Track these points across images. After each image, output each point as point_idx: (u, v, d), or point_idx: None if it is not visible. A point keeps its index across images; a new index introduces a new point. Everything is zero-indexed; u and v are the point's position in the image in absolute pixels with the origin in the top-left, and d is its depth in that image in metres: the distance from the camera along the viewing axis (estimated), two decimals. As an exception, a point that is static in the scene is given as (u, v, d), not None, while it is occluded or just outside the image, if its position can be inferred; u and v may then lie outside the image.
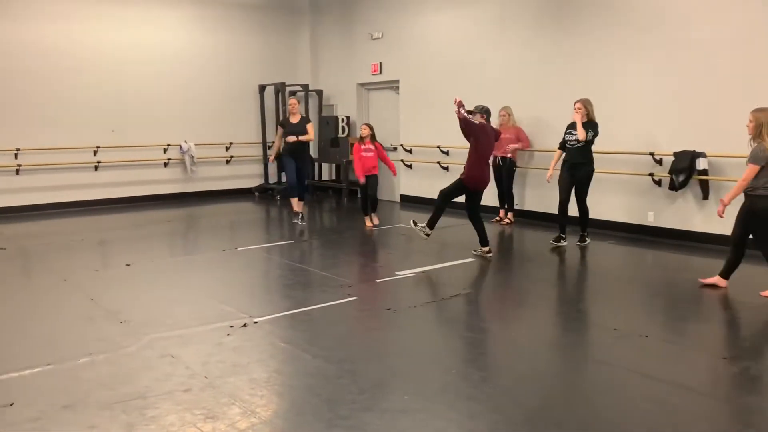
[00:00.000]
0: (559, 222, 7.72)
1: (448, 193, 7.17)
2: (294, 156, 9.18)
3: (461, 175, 7.14)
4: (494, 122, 9.56)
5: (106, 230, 9.13)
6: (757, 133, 5.34)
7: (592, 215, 8.83)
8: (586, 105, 7.44)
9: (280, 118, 12.66)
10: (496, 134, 7.38)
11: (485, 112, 7.30)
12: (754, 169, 5.30)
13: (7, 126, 10.19)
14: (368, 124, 9.06)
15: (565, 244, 7.69)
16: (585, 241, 7.77)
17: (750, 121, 5.40)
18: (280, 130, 9.28)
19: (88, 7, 10.82)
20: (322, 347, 4.44)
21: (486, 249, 7.11)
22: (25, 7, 10.24)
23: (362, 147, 8.93)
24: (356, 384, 3.77)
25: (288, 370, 4.05)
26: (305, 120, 9.24)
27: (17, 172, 10.35)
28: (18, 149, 10.28)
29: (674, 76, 7.80)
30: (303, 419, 3.35)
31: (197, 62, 12.09)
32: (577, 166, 7.52)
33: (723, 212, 5.61)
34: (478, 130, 6.94)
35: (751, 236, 5.58)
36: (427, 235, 7.24)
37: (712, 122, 7.50)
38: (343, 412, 3.40)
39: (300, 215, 9.36)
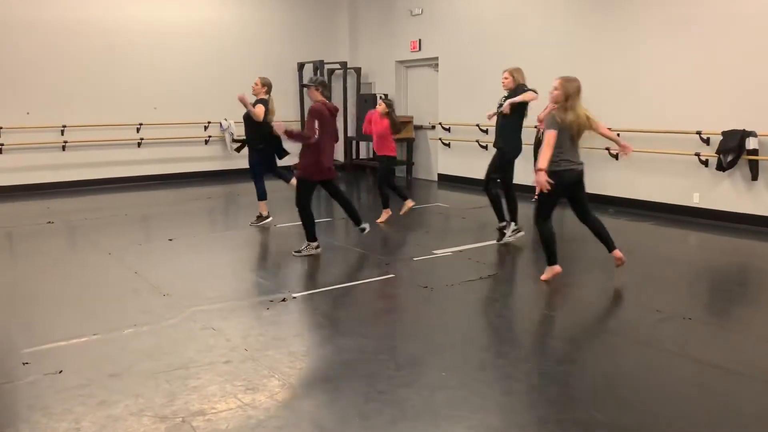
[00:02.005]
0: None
1: (301, 204, 6.27)
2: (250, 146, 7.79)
3: (298, 173, 6.28)
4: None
5: (148, 206, 9.32)
6: (563, 104, 5.01)
7: (633, 195, 8.69)
8: (513, 73, 6.60)
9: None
10: (334, 110, 6.34)
11: (321, 84, 6.27)
12: (551, 134, 4.95)
13: (55, 103, 10.42)
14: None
15: (509, 236, 6.72)
16: (506, 233, 6.72)
17: (555, 88, 5.06)
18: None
19: (130, -15, 10.96)
20: (360, 323, 4.47)
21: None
22: (71, -15, 10.42)
23: None
24: (394, 360, 3.79)
25: (326, 345, 4.09)
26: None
27: (63, 148, 10.61)
28: (64, 126, 10.52)
29: (724, 52, 7.53)
30: (341, 393, 3.39)
31: (238, 40, 12.13)
32: (497, 144, 6.77)
33: (546, 185, 4.96)
34: (318, 122, 6.03)
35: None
36: (317, 248, 6.30)
37: (764, 100, 7.23)
38: (381, 387, 3.43)
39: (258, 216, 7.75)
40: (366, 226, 6.79)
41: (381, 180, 7.90)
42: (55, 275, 5.75)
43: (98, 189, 10.66)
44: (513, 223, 6.77)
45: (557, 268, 5.31)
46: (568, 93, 5.00)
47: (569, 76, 5.11)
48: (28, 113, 10.22)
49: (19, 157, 10.26)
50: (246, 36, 12.25)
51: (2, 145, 10.07)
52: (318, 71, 12.49)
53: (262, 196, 7.74)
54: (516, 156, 6.76)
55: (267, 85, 7.63)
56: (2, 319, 4.58)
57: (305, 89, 6.42)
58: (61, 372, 3.61)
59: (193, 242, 6.95)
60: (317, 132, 6.01)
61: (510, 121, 6.55)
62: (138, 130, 11.26)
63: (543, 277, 5.35)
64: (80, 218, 8.22)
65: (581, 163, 5.19)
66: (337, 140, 6.45)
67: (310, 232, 6.27)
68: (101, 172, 11.02)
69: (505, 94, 6.71)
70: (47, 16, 10.26)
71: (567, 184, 5.12)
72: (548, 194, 5.06)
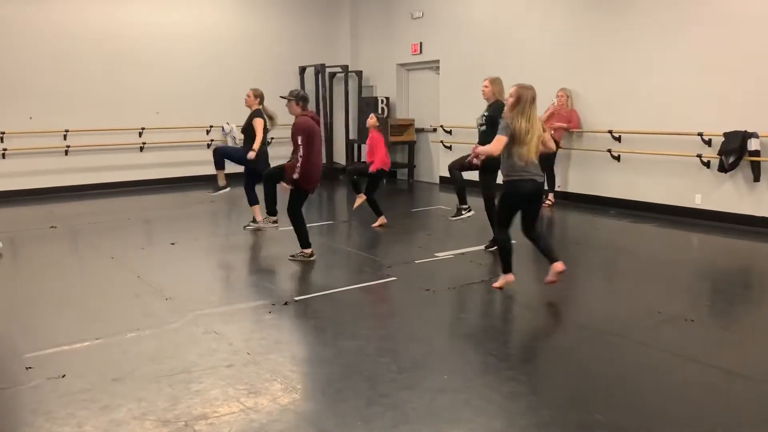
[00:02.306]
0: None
1: (294, 212, 6.17)
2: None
3: (293, 180, 6.02)
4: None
5: (151, 210, 9.33)
6: (515, 109, 4.84)
7: (635, 197, 8.71)
8: (492, 83, 6.31)
9: (320, 99, 12.69)
10: (317, 120, 6.39)
11: (301, 98, 6.22)
12: (501, 140, 4.78)
13: (57, 108, 10.44)
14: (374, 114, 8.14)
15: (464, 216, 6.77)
16: (463, 214, 6.74)
17: (510, 95, 4.91)
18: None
19: (132, -10, 11.00)
20: (362, 326, 4.48)
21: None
22: (73, -9, 10.46)
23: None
24: (396, 363, 3.79)
25: (328, 348, 4.10)
26: (252, 115, 7.58)
27: (66, 153, 10.63)
28: (67, 131, 10.55)
29: (726, 53, 7.53)
30: (343, 396, 3.39)
31: (239, 44, 12.16)
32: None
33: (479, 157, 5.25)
34: (307, 132, 6.03)
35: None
36: (311, 255, 6.20)
37: (765, 101, 7.22)
38: (383, 390, 3.43)
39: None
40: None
41: (353, 173, 7.87)
42: (58, 279, 5.76)
43: (101, 193, 10.69)
44: (469, 208, 6.67)
45: (511, 276, 5.19)
46: (524, 99, 4.83)
47: (525, 84, 4.95)
48: (30, 118, 10.25)
49: (22, 161, 10.29)
50: (247, 40, 12.27)
51: (5, 150, 10.10)
52: (319, 75, 12.52)
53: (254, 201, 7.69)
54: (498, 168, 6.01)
55: (259, 96, 7.65)
56: (5, 324, 4.60)
57: (285, 102, 6.29)
58: (64, 376, 3.62)
59: (196, 246, 6.96)
60: (301, 148, 5.96)
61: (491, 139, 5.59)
62: (140, 134, 11.29)
63: (495, 284, 5.23)
64: (83, 222, 8.24)
65: (542, 176, 5.01)
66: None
67: (303, 239, 6.21)
68: (104, 177, 11.04)
69: (486, 108, 6.34)
70: (49, 22, 10.29)
71: (524, 194, 4.95)
72: (507, 203, 5.00)
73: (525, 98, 4.84)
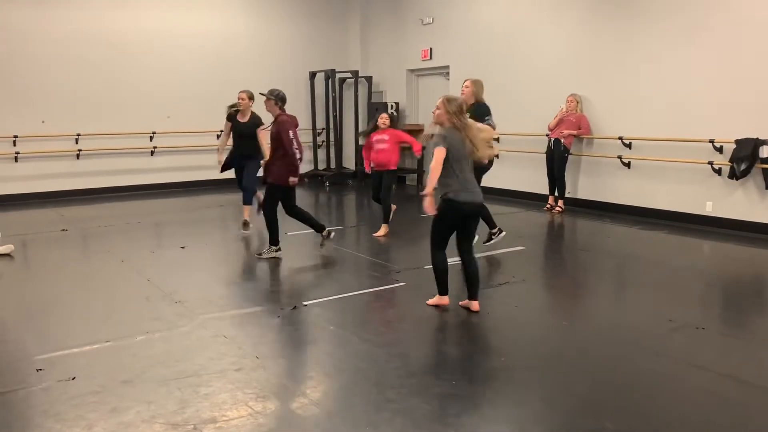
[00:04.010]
0: None
1: (269, 209, 6.51)
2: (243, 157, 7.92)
3: (270, 180, 6.40)
4: (554, 111, 9.42)
5: (161, 214, 9.38)
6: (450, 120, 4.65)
7: (646, 204, 8.67)
8: (474, 84, 6.41)
9: (330, 104, 12.73)
10: (296, 123, 6.56)
11: (281, 99, 6.36)
12: (440, 151, 4.53)
13: (69, 112, 10.53)
14: (387, 114, 7.92)
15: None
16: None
17: (437, 107, 4.69)
18: (229, 125, 8.10)
19: (144, -5, 11.08)
20: (370, 331, 4.47)
21: (324, 233, 6.88)
22: (86, -4, 10.55)
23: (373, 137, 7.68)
24: (405, 368, 3.79)
25: (337, 353, 4.10)
26: (255, 121, 7.97)
27: (77, 156, 10.71)
28: (78, 134, 10.63)
29: (737, 59, 7.49)
30: (352, 401, 3.39)
31: (249, 49, 12.22)
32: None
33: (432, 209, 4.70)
34: (292, 133, 6.31)
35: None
36: (278, 251, 6.55)
37: (778, 108, 7.19)
38: (392, 396, 3.42)
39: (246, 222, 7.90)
40: (330, 230, 7.00)
41: (389, 192, 7.77)
42: (69, 282, 5.80)
43: (112, 197, 10.74)
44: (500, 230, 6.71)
45: (445, 299, 4.97)
46: (451, 110, 4.62)
47: (450, 96, 4.77)
48: (43, 122, 10.34)
49: (34, 165, 10.38)
50: (258, 45, 12.33)
51: (18, 153, 10.19)
52: (329, 80, 12.56)
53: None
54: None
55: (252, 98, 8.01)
56: (16, 326, 4.63)
57: (263, 98, 6.42)
58: (74, 378, 3.64)
59: (205, 250, 6.99)
60: (294, 143, 6.29)
61: None
62: (151, 138, 11.36)
63: (429, 301, 5.01)
64: (94, 226, 8.28)
65: (480, 193, 4.82)
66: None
67: (273, 236, 6.54)
68: (115, 180, 11.12)
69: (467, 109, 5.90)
70: (61, 27, 10.38)
71: (465, 215, 4.80)
72: (442, 222, 4.84)
73: (453, 109, 4.63)
